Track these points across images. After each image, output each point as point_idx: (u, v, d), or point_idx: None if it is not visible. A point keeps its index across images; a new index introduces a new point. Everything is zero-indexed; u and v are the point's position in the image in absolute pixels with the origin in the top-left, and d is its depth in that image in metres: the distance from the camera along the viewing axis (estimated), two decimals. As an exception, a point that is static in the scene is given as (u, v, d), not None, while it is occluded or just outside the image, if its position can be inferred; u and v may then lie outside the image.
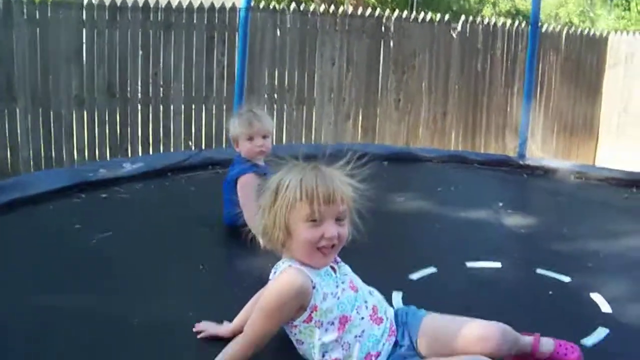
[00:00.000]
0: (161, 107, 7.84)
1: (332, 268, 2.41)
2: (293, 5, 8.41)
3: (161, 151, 7.82)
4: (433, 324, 2.46)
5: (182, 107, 7.90)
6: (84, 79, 7.35)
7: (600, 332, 2.98)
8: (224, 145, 7.93)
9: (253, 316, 2.34)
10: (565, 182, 5.98)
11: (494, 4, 23.59)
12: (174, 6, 7.74)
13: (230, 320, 2.69)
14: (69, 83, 7.28)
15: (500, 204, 4.94)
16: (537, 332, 2.60)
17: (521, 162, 6.32)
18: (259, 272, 3.02)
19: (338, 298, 2.33)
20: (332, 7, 8.85)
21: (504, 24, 9.68)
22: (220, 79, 7.99)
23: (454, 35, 9.21)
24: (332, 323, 2.32)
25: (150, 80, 7.71)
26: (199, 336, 2.63)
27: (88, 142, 7.57)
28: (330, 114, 8.53)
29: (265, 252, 2.76)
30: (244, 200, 3.81)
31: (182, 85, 7.88)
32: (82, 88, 7.36)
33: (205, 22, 7.85)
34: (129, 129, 7.66)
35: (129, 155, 7.59)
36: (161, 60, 7.70)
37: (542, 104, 9.93)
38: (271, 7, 8.42)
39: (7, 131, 7.09)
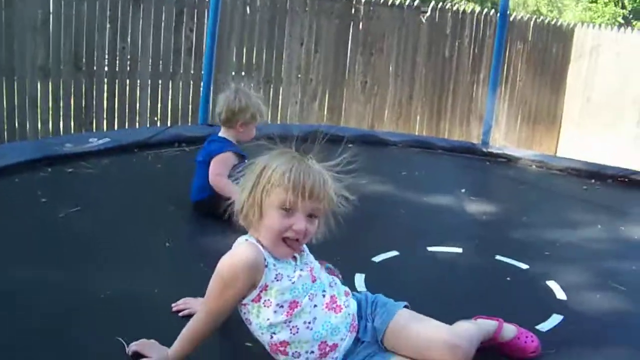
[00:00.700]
0: (128, 81, 7.79)
1: (294, 257, 2.41)
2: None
3: (126, 126, 7.77)
4: (403, 322, 2.43)
5: (149, 82, 7.86)
6: (50, 50, 7.26)
7: (555, 319, 3.07)
8: (189, 122, 7.93)
9: (208, 290, 2.32)
10: (527, 171, 6.09)
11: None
12: (143, -20, 7.68)
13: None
14: (34, 53, 7.20)
15: (463, 191, 5.02)
16: (493, 317, 2.67)
17: (485, 150, 6.41)
18: (225, 248, 3.05)
19: (293, 282, 2.32)
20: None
21: (472, 10, 9.75)
22: (187, 55, 7.96)
23: (423, 20, 9.26)
24: (282, 306, 2.30)
25: (118, 54, 7.65)
26: (180, 314, 2.64)
27: (52, 114, 7.50)
28: (297, 93, 8.55)
29: (233, 229, 2.80)
30: (216, 174, 3.87)
31: (150, 60, 7.83)
32: (47, 59, 7.27)
33: (175, -3, 7.81)
34: (94, 102, 7.60)
35: (94, 128, 7.54)
36: (129, 34, 7.64)
37: (507, 93, 10.05)
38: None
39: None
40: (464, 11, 9.61)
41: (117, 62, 7.70)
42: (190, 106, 7.99)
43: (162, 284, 3.03)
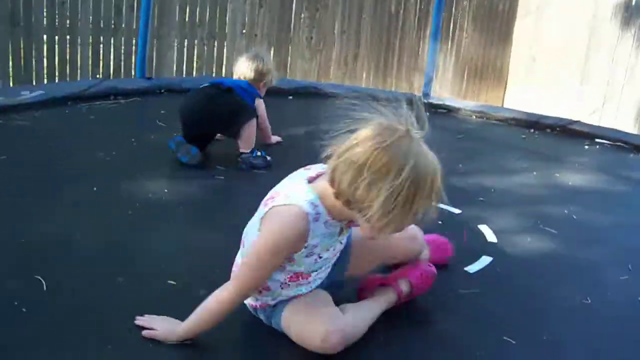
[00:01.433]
0: (68, 37, 7.60)
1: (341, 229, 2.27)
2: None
3: (67, 83, 7.62)
4: (362, 242, 2.41)
5: (90, 38, 7.68)
6: (-15, 5, 7.06)
7: (484, 260, 3.12)
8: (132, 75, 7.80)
9: (246, 262, 2.18)
10: (467, 122, 6.13)
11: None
12: None
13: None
14: (-31, 9, 6.99)
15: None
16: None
17: (425, 101, 6.40)
18: (152, 195, 3.03)
19: (316, 261, 2.25)
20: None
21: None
22: (129, 11, 7.79)
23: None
24: (290, 273, 2.26)
25: (57, 10, 7.46)
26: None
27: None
28: (242, 49, 8.43)
29: (160, 174, 2.77)
30: (265, 118, 4.49)
31: (90, 16, 7.64)
32: (-18, 15, 7.07)
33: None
34: (33, 60, 7.42)
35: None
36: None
37: (453, 49, 10.05)
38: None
39: None
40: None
41: (57, 18, 7.50)
42: (132, 63, 7.84)
43: (85, 228, 3.00)
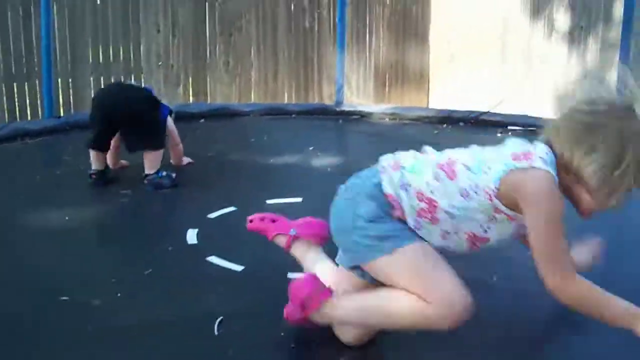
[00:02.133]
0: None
1: None
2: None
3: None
4: None
5: (3, 86, 7.55)
6: None
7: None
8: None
9: (548, 244, 1.99)
10: (380, 125, 6.19)
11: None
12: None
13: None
14: None
15: (311, 148, 5.04)
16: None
17: (338, 109, 6.47)
18: (56, 221, 3.00)
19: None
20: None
21: (328, -19, 9.78)
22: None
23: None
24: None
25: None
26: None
27: None
28: (160, 81, 8.40)
29: (63, 202, 2.75)
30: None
31: (1, 64, 7.52)
32: None
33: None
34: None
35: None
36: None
37: (371, 58, 10.12)
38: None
39: None
40: (319, -19, 9.61)
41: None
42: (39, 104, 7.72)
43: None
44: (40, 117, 7.51)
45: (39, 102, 7.65)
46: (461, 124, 6.05)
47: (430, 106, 10.20)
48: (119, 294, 2.71)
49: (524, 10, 9.56)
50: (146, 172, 4.12)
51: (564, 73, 9.13)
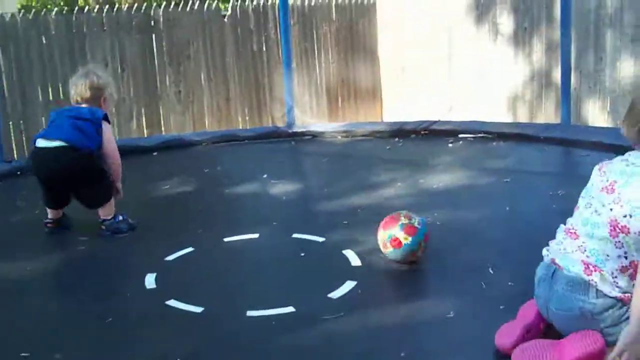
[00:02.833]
0: None
1: None
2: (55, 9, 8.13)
3: None
4: None
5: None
6: None
7: (348, 285, 3.13)
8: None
9: None
10: (333, 143, 6.21)
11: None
12: None
13: None
14: None
15: (265, 176, 5.04)
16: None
17: (290, 131, 6.48)
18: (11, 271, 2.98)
19: None
20: (105, 7, 8.64)
21: (273, 3, 9.80)
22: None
23: (225, 20, 9.24)
24: None
25: None
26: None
27: None
28: (111, 114, 8.34)
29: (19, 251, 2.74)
30: (113, 141, 4.20)
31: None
32: None
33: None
34: None
35: None
36: None
37: (322, 76, 10.16)
38: (32, 13, 8.10)
39: None
40: (264, 4, 9.63)
41: None
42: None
43: None
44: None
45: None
46: (413, 136, 6.10)
47: (385, 119, 10.27)
48: (80, 345, 2.69)
49: (469, 16, 9.69)
50: (102, 218, 4.09)
51: (511, 76, 9.27)
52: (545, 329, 2.46)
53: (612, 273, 2.26)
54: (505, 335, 2.44)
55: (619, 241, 2.27)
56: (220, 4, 9.40)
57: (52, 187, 4.11)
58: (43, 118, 7.85)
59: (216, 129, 8.74)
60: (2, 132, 6.08)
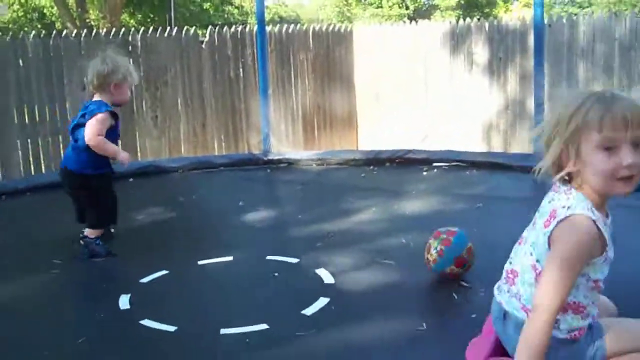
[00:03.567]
0: None
1: (606, 214, 2.23)
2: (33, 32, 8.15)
3: None
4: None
5: None
6: None
7: (321, 302, 3.19)
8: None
9: (547, 281, 2.08)
10: (308, 171, 6.27)
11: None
12: None
13: None
14: None
15: (241, 204, 5.09)
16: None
17: (265, 158, 6.53)
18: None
19: (605, 259, 2.17)
20: (83, 31, 8.66)
21: (250, 29, 9.88)
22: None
23: (203, 46, 9.30)
24: (592, 283, 2.19)
25: None
26: None
27: None
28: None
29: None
30: (96, 134, 3.97)
31: None
32: None
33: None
34: None
35: None
36: None
37: (299, 103, 10.24)
38: (10, 36, 8.11)
39: None
40: (242, 30, 9.71)
41: None
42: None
43: None
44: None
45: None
46: (387, 164, 6.18)
47: (360, 147, 10.35)
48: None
49: (444, 46, 9.84)
50: (86, 233, 4.10)
51: (486, 105, 9.40)
52: None
53: None
54: (474, 351, 2.48)
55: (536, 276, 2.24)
56: (198, 30, 9.47)
57: (74, 202, 4.21)
58: (18, 141, 7.85)
59: (192, 155, 8.77)
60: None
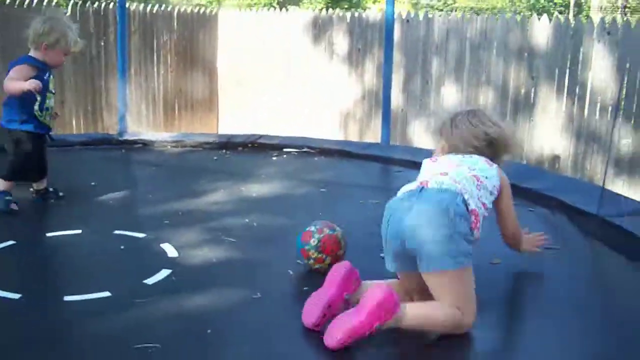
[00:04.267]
0: None
1: None
2: None
3: None
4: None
5: None
6: None
7: (163, 273, 3.40)
8: None
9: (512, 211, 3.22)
10: (162, 153, 6.41)
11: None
12: None
13: None
14: None
15: (93, 183, 5.20)
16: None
17: (120, 139, 6.63)
18: None
19: None
20: None
21: (114, 7, 9.77)
22: None
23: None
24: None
25: None
26: None
27: None
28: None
29: None
30: (7, 78, 4.24)
31: None
32: None
33: None
34: None
35: None
36: None
37: (160, 85, 10.28)
38: None
39: None
40: (105, 7, 9.59)
41: None
42: None
43: None
44: None
45: None
46: (240, 148, 6.42)
47: (221, 131, 10.53)
48: None
49: (306, 35, 10.14)
50: None
51: (344, 94, 9.78)
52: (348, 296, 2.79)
53: (479, 198, 2.87)
54: (308, 315, 2.78)
55: (480, 185, 2.90)
56: (61, 2, 9.29)
57: None
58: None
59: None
60: None
